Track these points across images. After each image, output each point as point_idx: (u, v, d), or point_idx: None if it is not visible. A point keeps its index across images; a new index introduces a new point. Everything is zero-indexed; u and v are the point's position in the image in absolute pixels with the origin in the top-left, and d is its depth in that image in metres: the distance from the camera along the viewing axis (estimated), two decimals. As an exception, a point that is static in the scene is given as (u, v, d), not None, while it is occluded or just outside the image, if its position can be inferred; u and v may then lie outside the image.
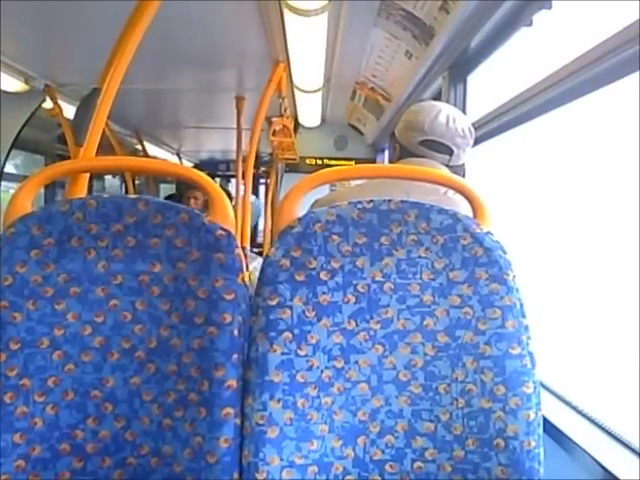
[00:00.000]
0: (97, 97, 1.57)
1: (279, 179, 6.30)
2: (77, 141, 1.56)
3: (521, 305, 1.12)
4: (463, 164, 1.57)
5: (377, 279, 1.12)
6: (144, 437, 1.11)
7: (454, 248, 1.13)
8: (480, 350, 1.10)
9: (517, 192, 2.25)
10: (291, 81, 3.67)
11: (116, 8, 1.58)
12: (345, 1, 2.49)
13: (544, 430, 1.12)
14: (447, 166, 1.51)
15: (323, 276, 1.12)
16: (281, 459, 1.07)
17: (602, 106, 1.61)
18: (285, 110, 4.02)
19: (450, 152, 1.51)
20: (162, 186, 7.98)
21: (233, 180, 6.72)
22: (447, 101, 2.58)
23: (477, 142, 2.04)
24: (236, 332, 1.10)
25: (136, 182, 6.75)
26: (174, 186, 7.42)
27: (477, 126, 2.23)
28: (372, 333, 1.12)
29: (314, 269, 1.11)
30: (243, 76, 3.80)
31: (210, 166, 7.87)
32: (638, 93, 1.32)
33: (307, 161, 5.92)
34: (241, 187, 4.10)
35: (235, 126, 4.13)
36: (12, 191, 4.58)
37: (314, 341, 1.10)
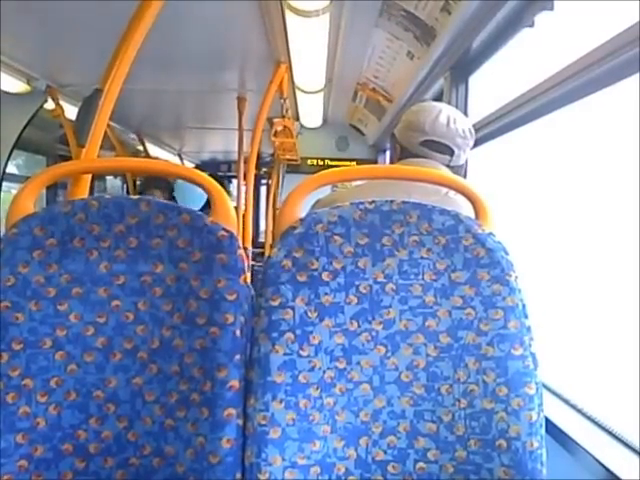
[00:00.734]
0: (99, 98, 1.57)
1: (280, 180, 6.31)
2: (79, 142, 1.56)
3: (523, 306, 1.11)
4: (463, 165, 1.57)
5: (379, 280, 1.12)
6: (146, 437, 1.12)
7: (456, 249, 1.12)
8: (482, 351, 1.10)
9: (520, 193, 2.25)
10: (292, 82, 3.67)
11: (118, 9, 1.58)
12: (346, 2, 2.49)
13: (546, 431, 1.12)
14: (448, 166, 1.52)
15: (325, 277, 1.12)
16: (283, 460, 1.07)
17: (603, 107, 1.61)
18: (286, 111, 4.02)
19: (451, 152, 1.51)
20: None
21: (234, 181, 6.73)
22: (449, 102, 2.58)
23: (479, 143, 2.04)
24: (238, 333, 1.10)
25: (137, 183, 6.76)
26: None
27: (479, 127, 2.24)
28: (374, 334, 1.12)
29: (316, 270, 1.11)
30: (245, 77, 3.80)
31: (211, 167, 7.88)
32: (638, 95, 1.32)
33: (308, 162, 5.93)
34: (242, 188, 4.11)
35: (236, 127, 4.13)
36: (14, 191, 4.58)
37: (316, 342, 1.10)
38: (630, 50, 1.29)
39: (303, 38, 2.76)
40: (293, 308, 1.10)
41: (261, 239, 7.27)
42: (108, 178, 7.47)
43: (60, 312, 1.12)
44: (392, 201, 1.14)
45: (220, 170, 8.13)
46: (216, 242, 1.12)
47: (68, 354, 1.12)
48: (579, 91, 1.58)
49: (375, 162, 5.82)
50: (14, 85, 3.44)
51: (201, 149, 7.81)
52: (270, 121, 4.13)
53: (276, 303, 1.10)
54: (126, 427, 1.12)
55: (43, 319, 1.11)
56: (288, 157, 5.39)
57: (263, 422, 1.07)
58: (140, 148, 6.24)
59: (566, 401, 1.71)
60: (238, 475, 1.08)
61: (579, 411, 1.64)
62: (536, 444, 1.08)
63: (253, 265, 4.31)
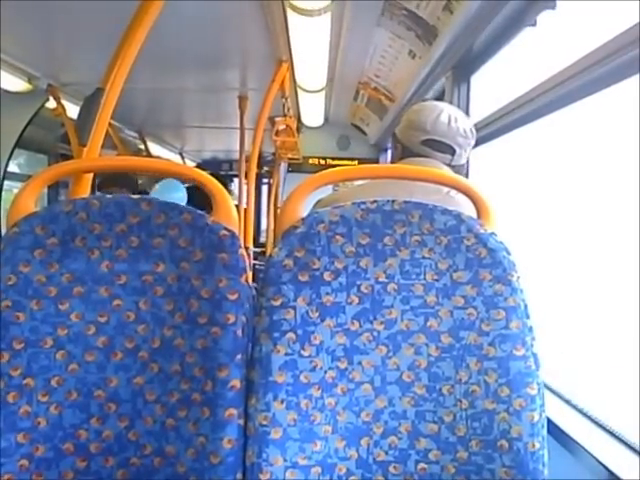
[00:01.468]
0: (100, 97, 1.57)
1: (282, 179, 6.30)
2: (80, 141, 1.56)
3: (525, 306, 1.11)
4: (465, 164, 1.57)
5: (381, 280, 1.12)
6: (147, 437, 1.11)
7: (458, 249, 1.12)
8: (484, 351, 1.10)
9: (523, 192, 2.25)
10: (294, 81, 3.67)
11: (119, 8, 1.58)
12: (348, 1, 2.49)
13: (548, 431, 1.11)
14: (449, 166, 1.51)
15: (327, 277, 1.11)
16: (284, 460, 1.07)
17: (606, 107, 1.61)
18: (288, 110, 4.02)
19: (452, 152, 1.51)
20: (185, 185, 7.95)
21: (236, 180, 6.73)
22: (450, 101, 2.58)
23: (481, 142, 2.04)
24: (239, 332, 1.10)
25: (139, 182, 6.75)
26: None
27: (481, 126, 2.23)
28: (376, 334, 1.12)
29: (318, 269, 1.11)
30: (246, 76, 3.80)
31: (213, 165, 7.88)
32: (639, 95, 1.32)
33: (310, 161, 5.93)
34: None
35: (238, 126, 4.13)
36: (15, 190, 4.58)
37: (317, 342, 1.10)
38: (630, 51, 1.29)
39: (305, 37, 2.76)
40: (294, 308, 1.10)
41: (262, 238, 7.27)
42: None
43: (61, 311, 1.12)
44: (394, 201, 1.14)
45: (221, 169, 8.13)
46: (217, 241, 1.12)
47: (69, 353, 1.12)
48: (581, 91, 1.57)
49: (376, 161, 5.81)
50: (15, 84, 3.44)
51: (202, 148, 7.81)
52: (272, 120, 4.13)
53: (277, 303, 1.10)
54: (127, 427, 1.12)
55: (44, 318, 1.11)
56: (290, 156, 5.38)
57: (264, 422, 1.07)
58: (141, 147, 6.24)
59: (567, 401, 1.70)
60: (239, 475, 1.08)
61: (580, 411, 1.63)
62: (538, 445, 1.08)
63: (255, 264, 4.31)
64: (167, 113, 5.48)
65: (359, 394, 1.11)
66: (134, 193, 3.43)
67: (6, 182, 4.29)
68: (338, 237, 1.12)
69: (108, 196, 1.16)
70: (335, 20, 2.57)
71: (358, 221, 1.13)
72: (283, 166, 6.16)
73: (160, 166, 1.43)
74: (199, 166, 7.82)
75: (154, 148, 6.55)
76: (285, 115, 4.08)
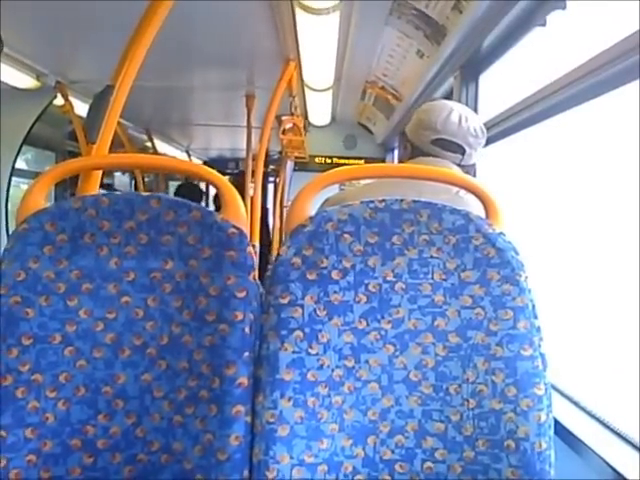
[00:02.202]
0: (110, 94, 1.57)
1: (288, 178, 6.31)
2: (90, 138, 1.56)
3: (533, 306, 1.11)
4: (474, 164, 1.57)
5: (388, 279, 1.12)
6: (154, 434, 1.12)
7: (466, 248, 1.12)
8: (491, 351, 1.10)
9: (532, 192, 2.24)
10: (301, 79, 3.67)
11: (129, 6, 1.58)
12: (357, 0, 2.49)
13: (555, 432, 1.11)
14: (459, 165, 1.51)
15: (334, 275, 1.11)
16: (291, 457, 1.07)
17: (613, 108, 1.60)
18: (295, 109, 4.02)
19: (462, 151, 1.51)
20: (171, 183, 8.00)
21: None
22: (459, 101, 2.58)
23: (489, 142, 2.03)
24: (247, 330, 1.10)
25: (145, 179, 6.77)
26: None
27: (489, 126, 2.23)
28: (383, 333, 1.12)
29: (325, 268, 1.11)
30: (254, 74, 3.80)
31: (219, 164, 7.89)
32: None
33: (316, 160, 5.92)
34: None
35: (245, 124, 4.14)
36: (23, 186, 4.60)
37: (325, 340, 1.10)
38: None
39: (313, 36, 2.76)
40: (302, 306, 1.10)
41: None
42: (116, 175, 7.49)
43: (70, 308, 1.12)
44: (402, 200, 1.14)
45: (228, 167, 8.15)
46: (226, 239, 1.13)
47: (77, 350, 1.12)
48: (590, 92, 1.57)
49: (383, 161, 5.81)
50: (24, 81, 3.45)
51: (209, 146, 7.83)
52: (279, 119, 4.14)
53: (285, 301, 1.10)
54: (134, 423, 1.12)
55: (53, 314, 1.11)
56: (296, 155, 5.39)
57: (271, 420, 1.07)
58: (148, 144, 6.25)
59: (576, 403, 1.70)
60: (246, 472, 1.08)
61: (587, 412, 1.63)
62: (544, 445, 1.08)
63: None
64: (174, 111, 5.49)
65: (366, 393, 1.11)
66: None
67: (14, 179, 4.30)
68: (346, 236, 1.12)
69: (117, 193, 1.17)
70: (343, 19, 2.57)
71: (366, 220, 1.13)
72: (289, 165, 6.17)
73: (169, 164, 1.44)
74: (206, 164, 7.84)
75: (161, 146, 6.56)
76: (292, 114, 4.08)
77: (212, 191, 8.42)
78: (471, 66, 2.59)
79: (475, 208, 1.18)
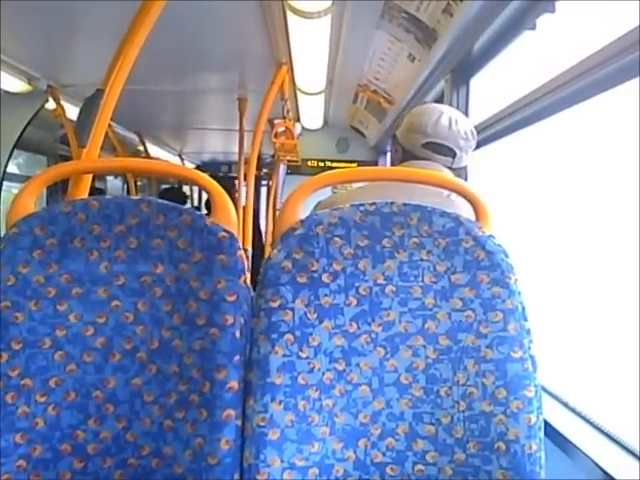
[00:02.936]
0: (100, 98, 1.56)
1: (281, 181, 6.31)
2: (80, 142, 1.56)
3: (523, 308, 1.12)
4: (465, 166, 1.57)
5: (379, 282, 1.12)
6: (145, 438, 1.11)
7: (456, 251, 1.13)
8: (481, 353, 1.10)
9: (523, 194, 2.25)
10: (294, 83, 3.67)
11: (120, 9, 1.58)
12: (348, 3, 2.49)
13: (545, 433, 1.11)
14: (450, 168, 1.52)
15: (325, 278, 1.12)
16: (282, 461, 1.07)
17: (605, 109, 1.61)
18: (287, 112, 4.02)
19: (453, 154, 1.52)
20: (163, 187, 8.00)
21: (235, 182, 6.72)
22: (450, 104, 2.58)
23: (480, 145, 2.03)
24: (237, 334, 1.10)
25: (138, 183, 6.76)
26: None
27: (480, 129, 2.23)
28: (373, 336, 1.12)
29: (316, 271, 1.11)
30: (246, 78, 3.80)
31: (212, 167, 7.88)
32: (638, 97, 1.32)
33: (309, 163, 5.92)
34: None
35: (237, 128, 4.14)
36: (14, 191, 4.58)
37: (315, 343, 1.10)
38: (631, 53, 1.29)
39: (304, 39, 2.76)
40: (293, 309, 1.10)
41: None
42: (108, 178, 7.47)
43: (60, 312, 1.12)
44: (392, 203, 1.14)
45: (221, 171, 8.14)
46: (216, 243, 1.12)
47: (67, 354, 1.12)
48: (580, 94, 1.58)
49: (376, 164, 5.82)
50: (15, 85, 3.44)
51: (202, 150, 7.82)
52: (271, 122, 4.14)
53: (276, 304, 1.10)
54: (125, 427, 1.12)
55: (43, 319, 1.11)
56: (289, 158, 5.39)
57: (262, 423, 1.07)
58: (141, 148, 6.24)
59: (565, 404, 1.71)
60: (236, 476, 1.08)
61: (578, 414, 1.63)
62: (535, 447, 1.08)
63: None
64: (166, 115, 5.48)
65: (357, 396, 1.11)
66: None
67: (5, 183, 4.28)
68: (337, 239, 1.12)
69: (107, 197, 1.16)
70: (335, 22, 2.57)
71: (357, 223, 1.13)
72: (282, 168, 6.17)
73: (160, 168, 1.43)
74: (198, 168, 7.83)
75: (153, 150, 6.55)
76: (284, 117, 4.08)
77: (204, 195, 8.44)
78: (462, 69, 2.59)
79: (465, 211, 1.19)
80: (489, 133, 2.26)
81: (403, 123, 1.58)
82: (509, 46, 2.18)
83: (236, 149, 4.20)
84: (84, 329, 1.12)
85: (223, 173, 8.17)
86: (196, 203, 8.43)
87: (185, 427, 1.09)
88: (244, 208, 3.86)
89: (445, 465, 1.10)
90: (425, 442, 1.10)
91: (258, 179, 7.21)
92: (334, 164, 5.93)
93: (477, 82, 2.61)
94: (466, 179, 1.59)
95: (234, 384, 1.09)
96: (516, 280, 1.12)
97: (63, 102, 3.76)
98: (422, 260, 1.13)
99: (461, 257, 1.12)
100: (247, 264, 1.17)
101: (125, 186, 7.07)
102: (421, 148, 1.52)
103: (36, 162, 5.36)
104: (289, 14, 2.40)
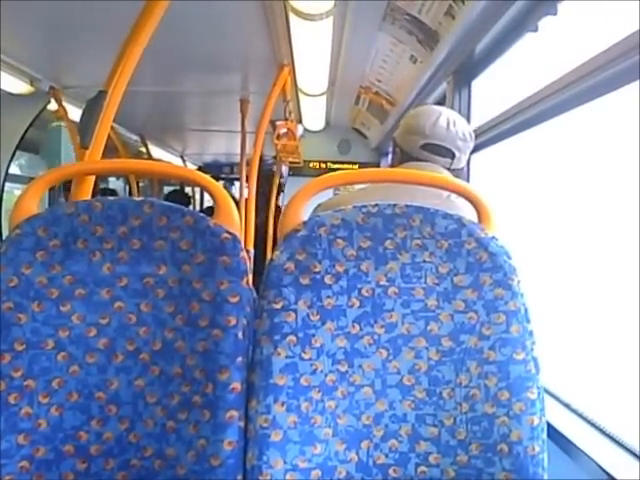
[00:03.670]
0: (103, 99, 1.57)
1: (283, 182, 6.31)
2: (83, 143, 1.56)
3: (525, 310, 1.12)
4: (465, 167, 1.58)
5: (381, 283, 1.12)
6: (148, 439, 1.12)
7: (459, 253, 1.13)
8: (484, 355, 1.10)
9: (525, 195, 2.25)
10: (295, 85, 3.67)
11: (122, 11, 1.58)
12: (350, 5, 2.50)
13: (548, 435, 1.11)
14: (449, 169, 1.52)
15: (328, 280, 1.12)
16: (285, 462, 1.07)
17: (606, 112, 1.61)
18: (289, 113, 4.02)
19: (452, 155, 1.52)
20: (166, 188, 8.01)
21: (237, 183, 6.73)
22: (451, 106, 2.58)
23: (482, 147, 2.04)
24: (240, 335, 1.10)
25: (140, 184, 6.77)
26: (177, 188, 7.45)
27: (482, 131, 2.24)
28: (376, 337, 1.12)
29: (319, 273, 1.12)
30: (248, 79, 3.80)
31: (214, 169, 7.89)
32: (639, 100, 1.32)
33: (311, 164, 5.92)
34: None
35: (239, 129, 4.14)
36: (16, 192, 4.59)
37: (318, 345, 1.10)
38: (631, 57, 1.30)
39: (306, 41, 2.76)
40: (295, 311, 1.10)
41: None
42: (110, 179, 7.48)
43: (63, 313, 1.12)
44: (395, 205, 1.14)
45: (223, 172, 8.14)
46: (219, 244, 1.13)
47: (70, 355, 1.12)
48: (582, 97, 1.58)
49: (377, 165, 5.82)
50: (17, 86, 3.45)
51: (204, 151, 7.82)
52: (273, 123, 4.14)
53: (278, 306, 1.10)
54: (127, 429, 1.12)
55: (46, 320, 1.11)
56: (291, 160, 5.39)
57: (265, 425, 1.07)
58: (143, 150, 6.24)
59: (567, 405, 1.71)
60: (239, 477, 1.08)
61: (580, 415, 1.63)
62: (537, 449, 1.08)
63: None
64: (169, 116, 5.48)
65: (359, 397, 1.11)
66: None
67: (7, 184, 4.29)
68: (339, 240, 1.12)
69: (110, 198, 1.17)
70: (337, 24, 2.57)
71: (359, 225, 1.13)
72: (284, 169, 6.17)
73: (162, 169, 1.43)
74: (200, 169, 7.83)
75: (155, 151, 6.55)
76: (286, 119, 4.08)
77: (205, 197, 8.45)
78: (464, 71, 2.60)
79: (467, 212, 1.19)
80: (491, 135, 2.26)
81: (401, 125, 1.58)
82: (511, 48, 2.18)
83: (238, 150, 4.20)
84: (87, 330, 1.13)
85: (225, 174, 8.17)
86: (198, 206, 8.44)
87: (188, 428, 1.09)
88: (246, 208, 3.86)
89: (448, 467, 1.10)
90: (428, 444, 1.11)
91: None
92: (336, 165, 5.93)
93: (479, 84, 2.61)
94: (467, 180, 1.59)
95: (237, 385, 1.09)
96: (519, 282, 1.12)
97: (65, 103, 3.76)
98: (425, 262, 1.13)
99: (464, 259, 1.12)
100: (249, 264, 1.17)
101: (127, 187, 7.08)
102: (420, 149, 1.52)
103: (38, 163, 5.37)
104: (291, 16, 2.40)
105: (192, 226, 1.14)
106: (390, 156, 1.79)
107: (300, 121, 4.97)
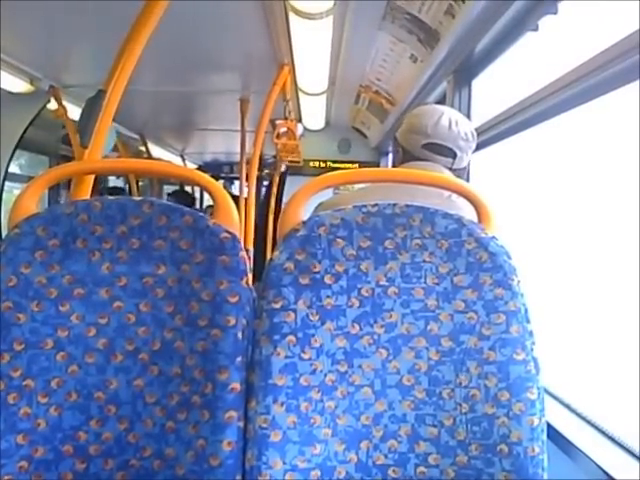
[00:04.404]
0: (102, 99, 1.56)
1: (282, 181, 6.31)
2: (82, 143, 1.56)
3: (525, 310, 1.11)
4: (466, 167, 1.57)
5: (381, 283, 1.12)
6: (147, 439, 1.11)
7: (458, 253, 1.12)
8: (484, 355, 1.10)
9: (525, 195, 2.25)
10: (295, 84, 3.67)
11: (122, 10, 1.58)
12: (350, 4, 2.49)
13: (548, 436, 1.11)
14: (450, 169, 1.52)
15: (327, 280, 1.11)
16: (284, 463, 1.07)
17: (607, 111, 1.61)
18: (289, 113, 4.02)
19: (453, 155, 1.51)
20: (165, 187, 8.01)
21: (236, 182, 6.73)
22: (451, 105, 2.58)
23: (482, 147, 2.03)
24: (240, 335, 1.10)
25: (140, 184, 6.77)
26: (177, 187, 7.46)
27: (482, 131, 2.23)
28: (376, 337, 1.12)
29: (318, 273, 1.11)
30: (248, 78, 3.80)
31: (214, 168, 7.89)
32: (639, 100, 1.32)
33: (311, 164, 5.92)
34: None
35: (239, 128, 4.14)
36: (16, 191, 4.59)
37: (318, 345, 1.10)
38: (631, 57, 1.29)
39: (306, 40, 2.76)
40: (295, 311, 1.10)
41: None
42: (110, 178, 7.48)
43: (62, 313, 1.12)
44: (395, 204, 1.14)
45: (223, 171, 8.14)
46: (218, 244, 1.12)
47: (69, 355, 1.12)
48: (582, 96, 1.58)
49: (377, 165, 5.82)
50: (17, 85, 3.45)
51: (204, 150, 7.82)
52: (273, 123, 4.14)
53: (278, 306, 1.10)
54: (127, 429, 1.12)
55: (45, 320, 1.11)
56: (291, 159, 5.39)
57: (264, 425, 1.07)
58: (142, 149, 6.24)
59: (567, 406, 1.70)
60: (238, 478, 1.08)
61: (579, 415, 1.63)
62: (537, 449, 1.08)
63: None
64: (168, 115, 5.49)
65: (359, 397, 1.11)
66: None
67: (7, 183, 4.29)
68: (339, 240, 1.12)
69: (110, 197, 1.16)
70: (337, 23, 2.57)
71: (359, 224, 1.13)
72: (284, 169, 6.16)
73: (162, 168, 1.43)
74: (200, 168, 7.83)
75: (155, 150, 6.55)
76: (286, 118, 4.08)
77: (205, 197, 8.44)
78: (464, 71, 2.59)
79: (467, 212, 1.19)
80: (491, 134, 2.26)
81: (403, 124, 1.58)
82: (511, 47, 2.18)
83: (238, 149, 4.20)
84: (86, 330, 1.12)
85: (225, 174, 8.17)
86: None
87: (187, 428, 1.09)
88: (246, 208, 3.86)
89: (447, 467, 1.10)
90: (427, 444, 1.10)
91: (259, 180, 7.21)
92: (336, 165, 5.93)
93: (479, 83, 2.61)
94: (468, 180, 1.59)
95: (236, 385, 1.08)
96: (519, 282, 1.12)
97: (65, 102, 3.76)
98: (424, 262, 1.13)
99: (464, 259, 1.12)
100: (249, 264, 1.17)
101: (127, 186, 7.08)
102: (421, 149, 1.52)
103: (38, 162, 5.37)
104: (291, 15, 2.40)
105: (191, 226, 1.13)
106: (391, 155, 1.79)
107: (300, 120, 4.97)
